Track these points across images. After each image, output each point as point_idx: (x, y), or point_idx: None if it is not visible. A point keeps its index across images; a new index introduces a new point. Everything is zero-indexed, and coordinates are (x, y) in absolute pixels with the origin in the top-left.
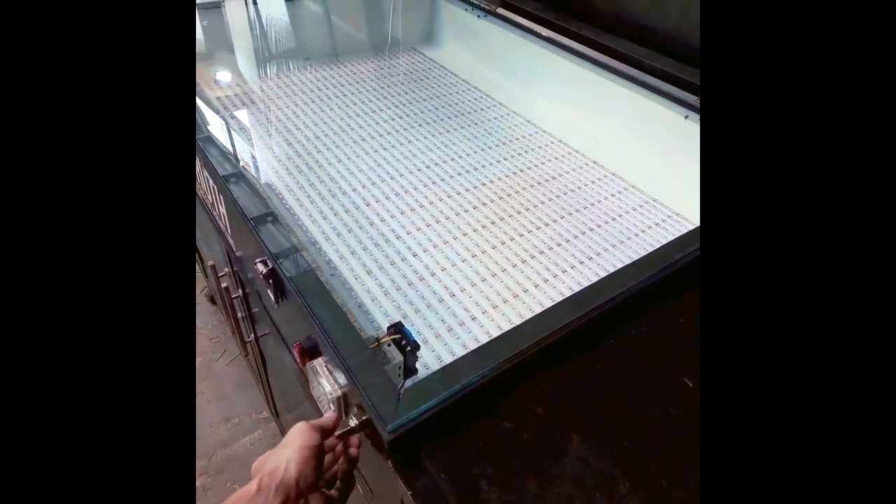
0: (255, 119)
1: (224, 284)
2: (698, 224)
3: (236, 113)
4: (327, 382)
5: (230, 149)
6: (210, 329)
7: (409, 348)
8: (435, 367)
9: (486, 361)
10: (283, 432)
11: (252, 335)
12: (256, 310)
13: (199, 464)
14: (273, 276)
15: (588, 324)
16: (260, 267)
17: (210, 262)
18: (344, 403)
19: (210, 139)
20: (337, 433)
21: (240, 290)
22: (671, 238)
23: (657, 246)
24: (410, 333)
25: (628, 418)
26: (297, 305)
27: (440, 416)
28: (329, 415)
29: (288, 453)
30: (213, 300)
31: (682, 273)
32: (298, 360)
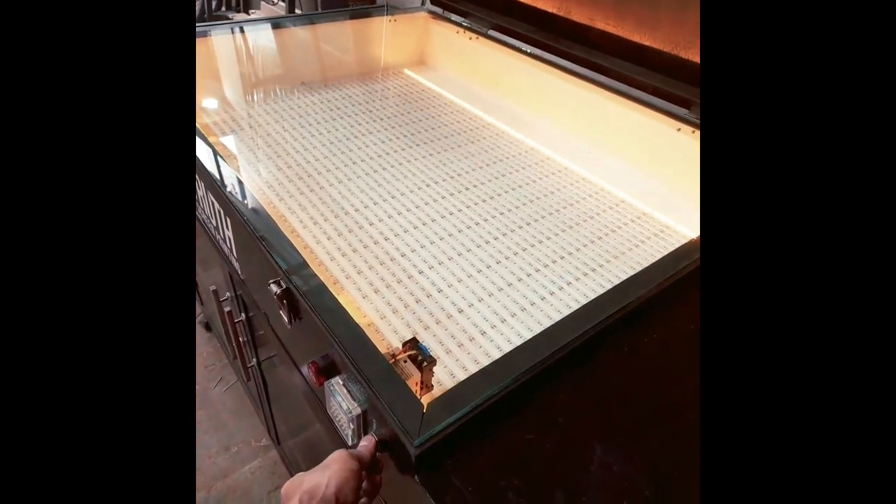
0: (252, 143)
1: (227, 309)
2: (694, 235)
3: (232, 138)
4: (345, 401)
5: (230, 174)
6: (205, 357)
7: (425, 363)
8: (448, 382)
9: (506, 373)
10: (284, 460)
11: (254, 359)
12: (261, 332)
13: (199, 495)
14: (288, 296)
15: (603, 332)
16: (273, 288)
17: (212, 287)
18: (363, 421)
19: (211, 164)
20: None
21: (243, 314)
22: (668, 248)
23: (655, 256)
24: (426, 349)
25: (647, 423)
26: (312, 325)
27: (464, 429)
28: (364, 445)
29: (329, 472)
30: (208, 327)
31: (690, 280)
32: (314, 379)
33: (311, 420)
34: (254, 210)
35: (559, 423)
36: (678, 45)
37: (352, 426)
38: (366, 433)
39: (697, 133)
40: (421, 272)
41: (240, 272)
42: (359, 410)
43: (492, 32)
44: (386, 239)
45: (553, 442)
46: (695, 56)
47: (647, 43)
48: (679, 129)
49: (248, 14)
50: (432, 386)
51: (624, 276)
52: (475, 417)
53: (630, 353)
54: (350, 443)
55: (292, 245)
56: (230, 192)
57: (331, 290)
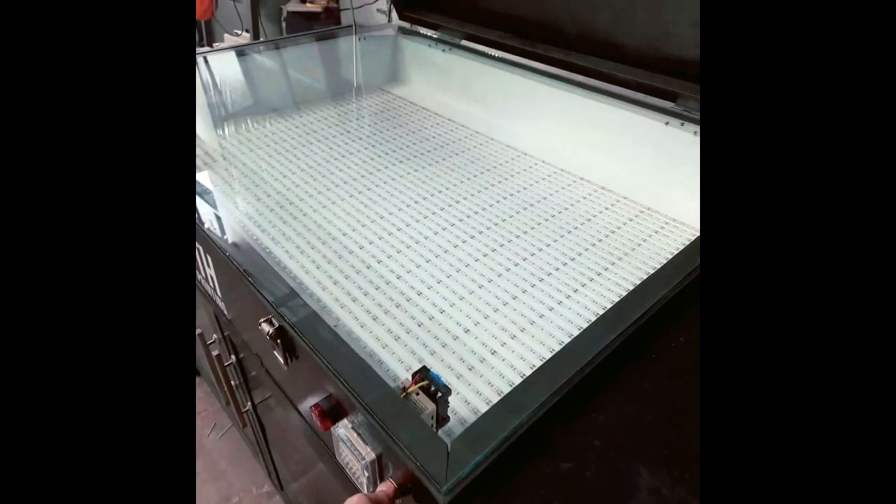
0: (226, 175)
1: (215, 352)
2: (697, 227)
3: (206, 172)
4: (357, 446)
5: (207, 209)
6: (196, 403)
7: (439, 394)
8: (463, 410)
9: (530, 399)
10: None
11: (249, 403)
12: (254, 374)
13: None
14: (282, 335)
15: (627, 341)
16: (265, 327)
17: (197, 330)
18: (378, 466)
19: None
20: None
21: (233, 357)
22: (674, 244)
23: (661, 253)
24: (439, 378)
25: (691, 437)
26: (312, 364)
27: (495, 466)
28: (382, 491)
29: None
30: (196, 371)
31: None
32: (319, 424)
33: (315, 461)
34: (235, 245)
35: (596, 448)
36: (656, 39)
37: (366, 473)
38: (382, 479)
39: (686, 125)
40: (420, 293)
41: (226, 312)
42: (373, 456)
43: (465, 42)
44: (378, 262)
45: (593, 469)
46: (674, 49)
47: (621, 40)
48: (667, 123)
49: (212, 47)
50: (448, 417)
51: (632, 278)
52: (505, 452)
53: (658, 359)
54: (366, 492)
55: (280, 278)
56: (209, 229)
57: (327, 322)
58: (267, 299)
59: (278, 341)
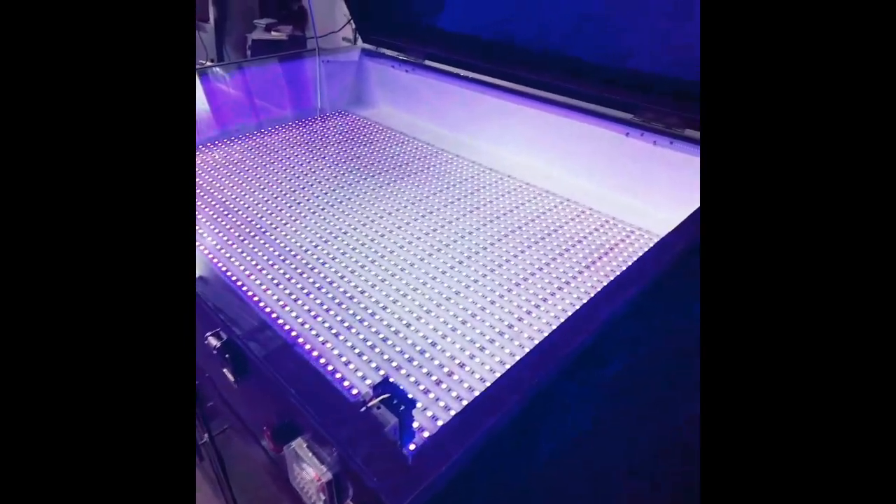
0: None
1: None
2: (662, 235)
3: None
4: (311, 466)
5: None
6: None
7: (402, 407)
8: (429, 426)
9: (500, 402)
10: None
11: (206, 435)
12: (210, 403)
13: None
14: (229, 349)
15: (603, 334)
16: (212, 341)
17: None
18: (336, 488)
19: None
20: None
21: None
22: (640, 252)
23: (629, 261)
24: (402, 390)
25: (676, 425)
26: (263, 379)
27: (462, 476)
28: None
29: None
30: None
31: (680, 268)
32: (271, 446)
33: (275, 496)
34: None
35: (564, 454)
36: (610, 55)
37: (322, 497)
38: (340, 502)
39: (646, 135)
40: (384, 308)
41: None
42: (329, 476)
43: (428, 62)
44: (341, 277)
45: (573, 471)
46: (632, 63)
47: (580, 55)
48: (628, 134)
49: None
50: (414, 433)
51: (600, 286)
52: (473, 461)
53: (635, 350)
54: None
55: (228, 289)
56: None
57: (283, 337)
58: (213, 310)
59: (226, 356)
